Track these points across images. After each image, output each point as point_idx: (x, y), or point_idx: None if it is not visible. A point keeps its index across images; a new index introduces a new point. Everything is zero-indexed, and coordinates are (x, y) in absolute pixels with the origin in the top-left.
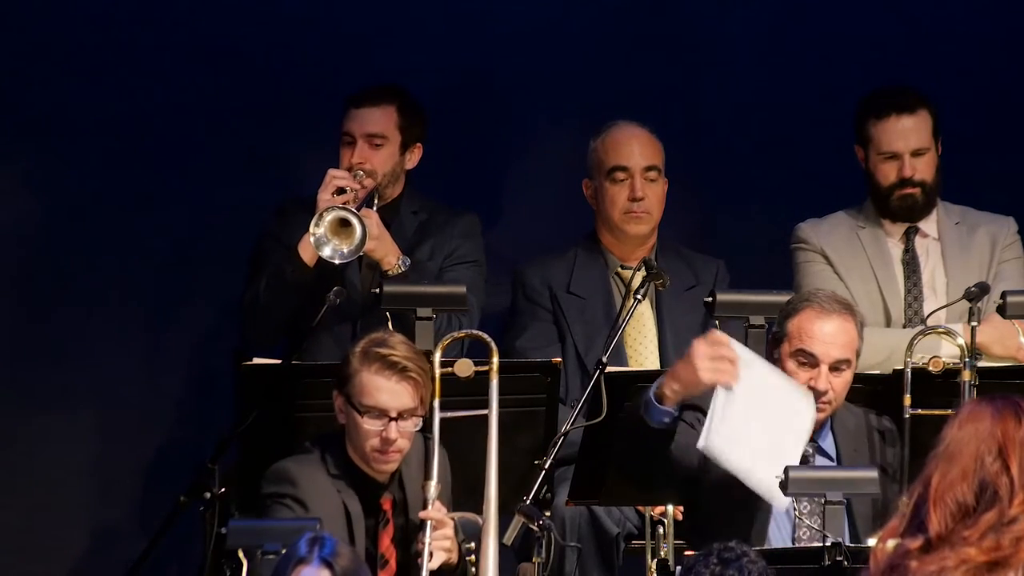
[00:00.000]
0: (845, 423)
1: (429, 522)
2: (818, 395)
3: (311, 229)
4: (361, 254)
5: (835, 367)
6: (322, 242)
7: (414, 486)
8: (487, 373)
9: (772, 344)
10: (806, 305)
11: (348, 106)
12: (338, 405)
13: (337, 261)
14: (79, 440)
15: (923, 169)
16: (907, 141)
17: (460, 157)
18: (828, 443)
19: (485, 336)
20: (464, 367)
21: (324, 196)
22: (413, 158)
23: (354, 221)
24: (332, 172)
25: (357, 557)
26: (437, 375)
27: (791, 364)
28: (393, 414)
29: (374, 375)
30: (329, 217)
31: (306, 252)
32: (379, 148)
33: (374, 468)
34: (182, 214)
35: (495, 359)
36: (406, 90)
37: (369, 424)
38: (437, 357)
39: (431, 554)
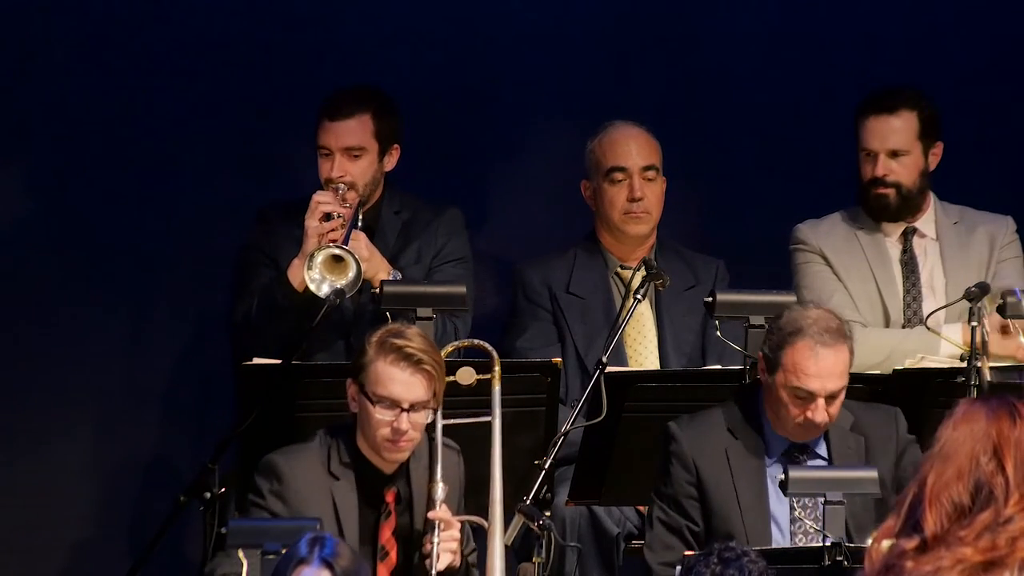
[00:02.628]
0: (839, 424)
1: (438, 523)
2: (815, 425)
3: (305, 274)
4: None
5: (830, 396)
6: (319, 282)
7: (421, 484)
8: (489, 380)
9: (765, 366)
10: (799, 338)
11: (322, 117)
12: (351, 394)
13: (337, 298)
14: (77, 440)
15: (899, 171)
16: (883, 141)
17: (460, 158)
18: (821, 447)
19: (487, 345)
20: (466, 375)
21: (312, 223)
22: (391, 160)
23: (346, 256)
24: (317, 197)
25: (358, 557)
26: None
27: (785, 395)
28: (406, 405)
29: (389, 366)
30: (320, 257)
31: (295, 277)
32: (358, 159)
33: (384, 457)
34: (177, 214)
35: (497, 367)
36: (379, 91)
37: (381, 414)
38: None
39: (439, 555)
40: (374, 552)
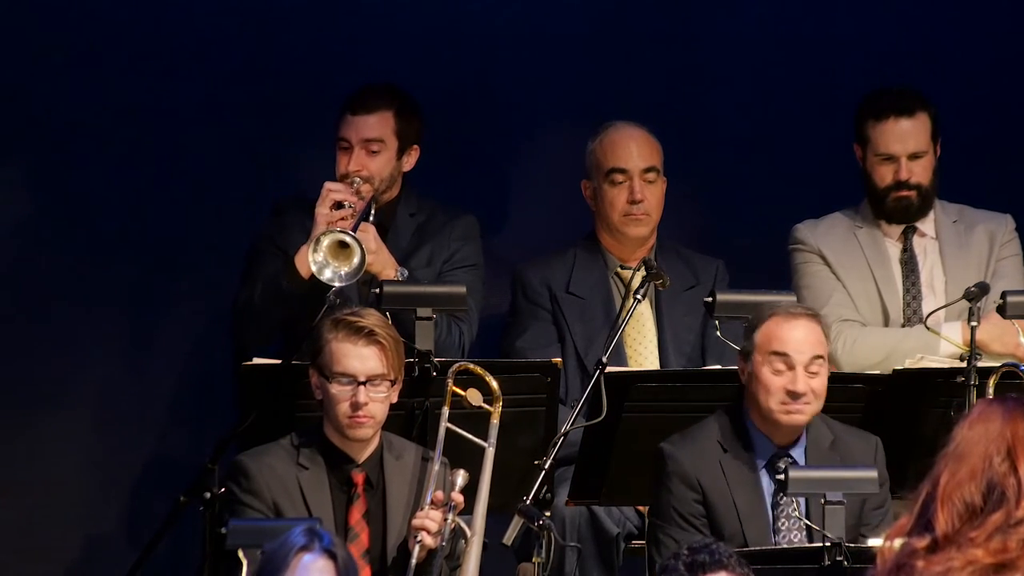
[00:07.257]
0: (819, 440)
1: (453, 504)
2: (797, 397)
3: (310, 256)
4: None
5: (809, 368)
6: (322, 266)
7: (393, 472)
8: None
9: (742, 361)
10: (770, 315)
11: (344, 111)
12: (314, 382)
13: (337, 284)
14: (77, 440)
15: (919, 172)
16: (904, 144)
17: (460, 158)
18: (801, 459)
19: (494, 384)
20: (475, 396)
21: (322, 211)
22: (410, 161)
23: (352, 244)
24: (329, 186)
25: (348, 550)
26: (450, 386)
27: (766, 371)
28: (362, 378)
29: (342, 342)
30: (327, 241)
31: (303, 265)
32: (376, 154)
33: (348, 436)
34: (180, 213)
35: (499, 404)
36: (403, 91)
37: (338, 390)
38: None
39: (440, 534)
40: (344, 534)
